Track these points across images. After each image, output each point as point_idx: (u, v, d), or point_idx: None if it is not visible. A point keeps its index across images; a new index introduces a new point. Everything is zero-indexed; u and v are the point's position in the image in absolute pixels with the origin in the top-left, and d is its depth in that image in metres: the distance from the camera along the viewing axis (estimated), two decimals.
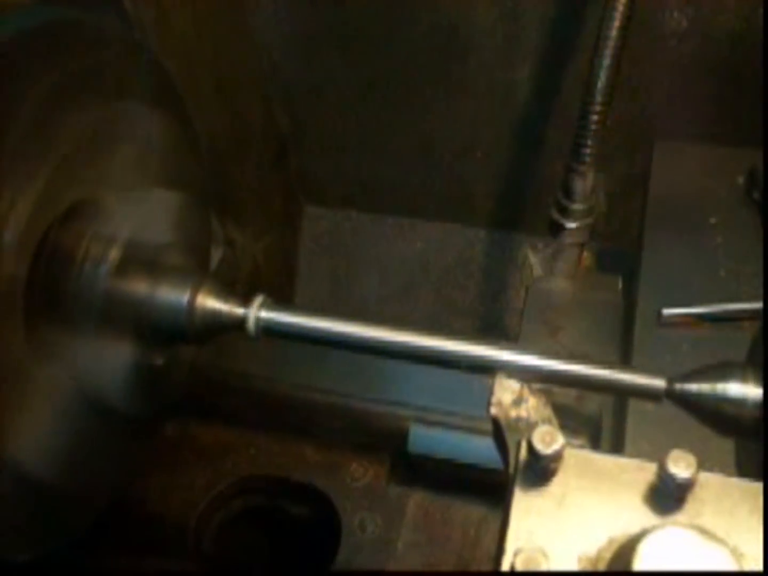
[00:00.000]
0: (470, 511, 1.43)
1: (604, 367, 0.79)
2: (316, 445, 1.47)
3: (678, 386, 0.74)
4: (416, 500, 1.43)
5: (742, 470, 0.84)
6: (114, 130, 0.88)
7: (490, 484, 1.35)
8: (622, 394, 0.79)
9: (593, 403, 1.27)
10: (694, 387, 0.73)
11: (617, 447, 1.16)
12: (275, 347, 0.96)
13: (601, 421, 1.28)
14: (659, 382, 0.75)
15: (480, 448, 1.32)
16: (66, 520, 0.94)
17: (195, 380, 1.36)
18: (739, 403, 0.71)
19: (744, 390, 0.71)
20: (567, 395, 1.23)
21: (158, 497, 1.47)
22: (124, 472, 1.05)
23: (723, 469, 0.97)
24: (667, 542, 0.60)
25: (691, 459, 0.65)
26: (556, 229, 1.41)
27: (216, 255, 1.63)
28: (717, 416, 0.72)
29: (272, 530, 1.54)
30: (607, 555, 0.65)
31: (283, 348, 0.90)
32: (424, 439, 1.36)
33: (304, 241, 2.13)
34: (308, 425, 1.47)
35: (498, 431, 0.80)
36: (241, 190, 1.78)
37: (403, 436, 1.38)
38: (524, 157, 1.85)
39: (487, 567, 1.37)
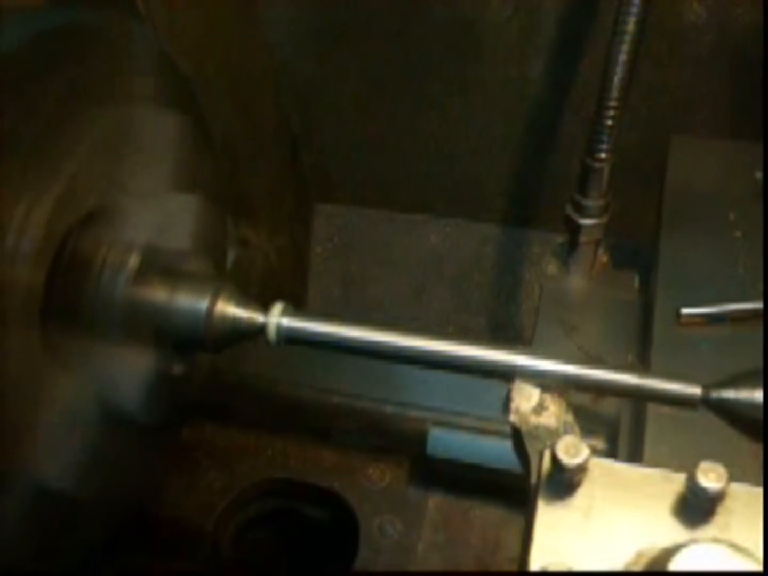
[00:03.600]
0: (490, 514, 1.41)
1: (635, 373, 0.77)
2: (334, 448, 1.46)
3: (714, 394, 0.72)
4: (435, 503, 1.42)
5: None
6: (130, 133, 0.86)
7: (510, 487, 1.33)
8: (655, 401, 0.77)
9: (611, 405, 1.25)
10: (731, 394, 0.71)
11: (636, 449, 1.14)
12: (292, 350, 0.95)
13: (619, 423, 1.27)
14: (694, 390, 0.73)
15: (499, 451, 1.31)
16: (84, 530, 0.93)
17: (212, 384, 1.35)
18: None
19: None
20: (584, 396, 1.21)
21: (175, 501, 1.46)
22: (143, 481, 1.04)
23: (744, 473, 0.95)
24: (698, 559, 0.58)
25: (721, 470, 0.63)
26: (572, 226, 1.39)
27: (230, 255, 1.62)
28: (756, 425, 0.70)
29: (290, 534, 1.53)
30: (636, 569, 0.64)
31: (301, 351, 0.89)
32: (444, 441, 1.35)
33: (317, 240, 2.12)
34: (326, 428, 1.45)
35: (518, 439, 0.79)
36: (254, 189, 1.77)
37: (421, 438, 1.36)
38: (539, 153, 1.83)
39: (507, 570, 1.35)
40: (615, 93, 1.23)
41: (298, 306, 0.89)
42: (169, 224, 0.91)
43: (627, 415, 1.25)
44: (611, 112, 1.25)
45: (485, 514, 1.41)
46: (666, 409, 1.03)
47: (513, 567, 0.72)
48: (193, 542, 1.43)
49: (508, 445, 0.82)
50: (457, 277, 2.08)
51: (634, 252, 1.59)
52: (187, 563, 1.43)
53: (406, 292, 2.09)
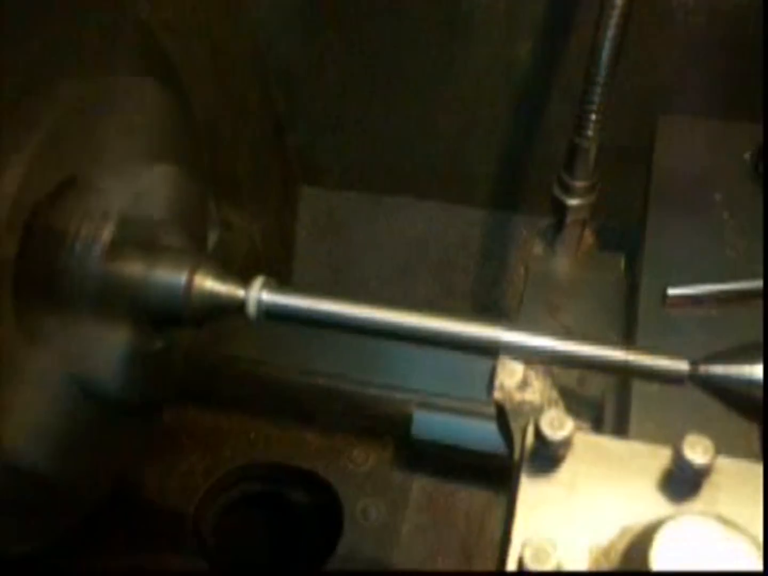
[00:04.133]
0: (474, 497, 1.40)
1: (622, 349, 0.75)
2: (318, 430, 1.44)
3: (702, 369, 0.70)
4: (420, 486, 1.40)
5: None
6: (105, 102, 0.84)
7: (495, 469, 1.32)
8: (641, 377, 0.76)
9: (595, 385, 1.24)
10: (719, 369, 0.69)
11: (621, 428, 1.13)
12: (275, 331, 0.93)
13: (604, 403, 1.26)
14: (682, 365, 0.72)
15: (485, 433, 1.30)
16: (62, 511, 0.91)
17: (193, 365, 1.33)
18: None
19: None
20: (569, 376, 1.20)
21: (156, 484, 1.44)
22: (122, 461, 1.02)
23: (733, 450, 0.95)
24: (685, 532, 0.57)
25: (708, 443, 0.62)
26: (558, 206, 1.38)
27: (212, 237, 1.59)
28: (745, 400, 0.69)
29: (273, 517, 1.52)
30: (621, 546, 0.62)
31: (284, 332, 0.87)
32: (428, 424, 1.34)
33: (302, 222, 2.09)
34: (309, 410, 1.44)
35: (502, 416, 0.77)
36: (237, 170, 1.74)
37: (406, 420, 1.35)
38: (526, 135, 1.81)
39: (492, 553, 1.34)
40: (603, 70, 1.22)
41: (294, 285, 0.87)
42: (146, 197, 0.88)
43: (612, 397, 1.25)
44: (598, 89, 1.24)
45: (470, 497, 1.40)
46: (651, 389, 1.02)
47: (498, 551, 0.71)
48: (174, 525, 1.42)
49: (493, 427, 0.81)
50: (443, 260, 2.07)
51: (621, 233, 1.58)
52: (168, 546, 1.41)
53: (392, 276, 2.08)
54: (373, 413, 1.39)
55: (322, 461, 1.42)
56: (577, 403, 1.23)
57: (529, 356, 0.78)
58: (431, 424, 1.34)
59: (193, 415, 1.48)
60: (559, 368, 0.81)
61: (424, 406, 1.34)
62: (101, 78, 0.83)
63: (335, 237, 2.08)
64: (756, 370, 0.68)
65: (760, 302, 1.20)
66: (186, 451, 1.46)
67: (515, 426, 0.73)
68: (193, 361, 1.33)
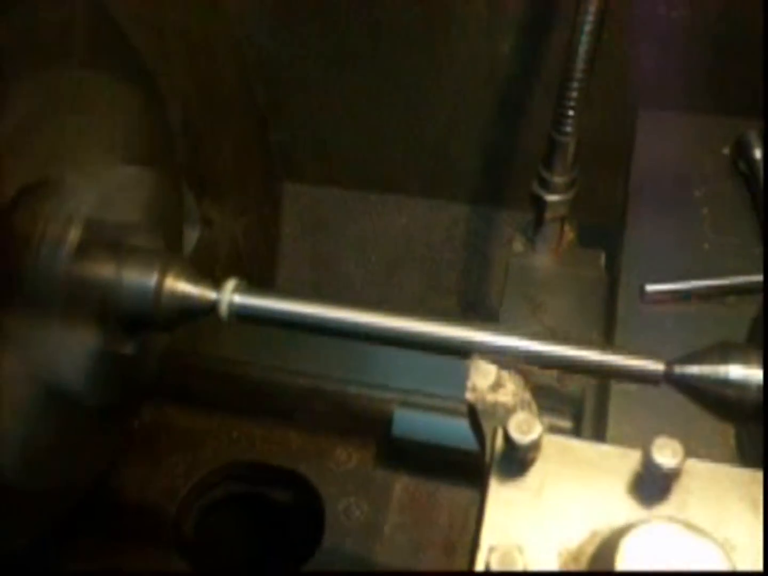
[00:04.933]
0: (457, 495, 1.40)
1: (597, 349, 0.75)
2: (299, 430, 1.43)
3: (678, 369, 0.70)
4: (402, 484, 1.40)
5: (744, 456, 0.81)
6: (71, 101, 0.82)
7: (477, 467, 1.32)
8: (617, 377, 0.75)
9: (575, 384, 1.24)
10: (695, 370, 0.69)
11: (600, 429, 1.13)
12: (256, 330, 0.92)
13: (584, 402, 1.25)
14: (657, 365, 0.71)
15: (465, 431, 1.29)
16: (33, 516, 0.89)
17: (172, 364, 1.32)
18: (742, 386, 0.67)
19: (746, 372, 0.67)
20: (548, 375, 1.19)
21: (137, 485, 1.43)
22: (97, 464, 1.01)
23: (708, 450, 0.94)
24: (651, 538, 0.56)
25: (677, 446, 0.61)
26: (537, 202, 1.37)
27: (194, 235, 1.58)
28: (719, 401, 0.68)
29: (255, 518, 1.51)
30: (590, 549, 0.62)
31: (265, 331, 0.86)
32: (409, 422, 1.33)
33: (285, 219, 2.08)
34: (291, 410, 1.43)
35: (474, 417, 0.77)
36: (219, 166, 1.73)
37: (387, 419, 1.34)
38: (509, 130, 1.81)
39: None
40: (580, 65, 1.21)
41: (266, 287, 0.86)
42: (115, 197, 0.87)
43: (591, 393, 1.24)
44: (576, 84, 1.23)
45: (452, 495, 1.39)
46: (630, 387, 1.02)
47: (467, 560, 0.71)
48: (155, 526, 1.41)
49: None
50: (427, 257, 2.06)
51: (602, 230, 1.58)
52: (149, 547, 1.40)
53: (377, 273, 2.07)
54: (354, 412, 1.39)
55: (303, 460, 1.41)
56: (556, 401, 1.23)
57: (503, 357, 0.78)
58: (412, 422, 1.33)
59: (173, 415, 1.46)
60: (546, 369, 0.80)
61: (405, 405, 1.34)
62: (67, 76, 0.82)
63: (319, 234, 2.07)
64: (729, 371, 0.68)
65: (736, 298, 1.20)
66: (167, 451, 1.44)
67: (487, 427, 0.73)
68: (172, 360, 1.32)
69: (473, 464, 1.34)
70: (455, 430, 1.31)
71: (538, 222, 1.39)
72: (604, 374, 0.77)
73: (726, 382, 0.69)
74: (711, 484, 0.63)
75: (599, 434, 1.11)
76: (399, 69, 1.76)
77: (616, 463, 0.65)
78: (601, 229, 1.57)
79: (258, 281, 0.87)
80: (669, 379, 0.72)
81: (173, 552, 1.39)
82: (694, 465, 0.63)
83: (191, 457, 1.44)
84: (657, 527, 0.56)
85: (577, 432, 1.24)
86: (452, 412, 1.31)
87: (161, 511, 1.41)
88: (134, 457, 1.43)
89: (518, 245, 1.43)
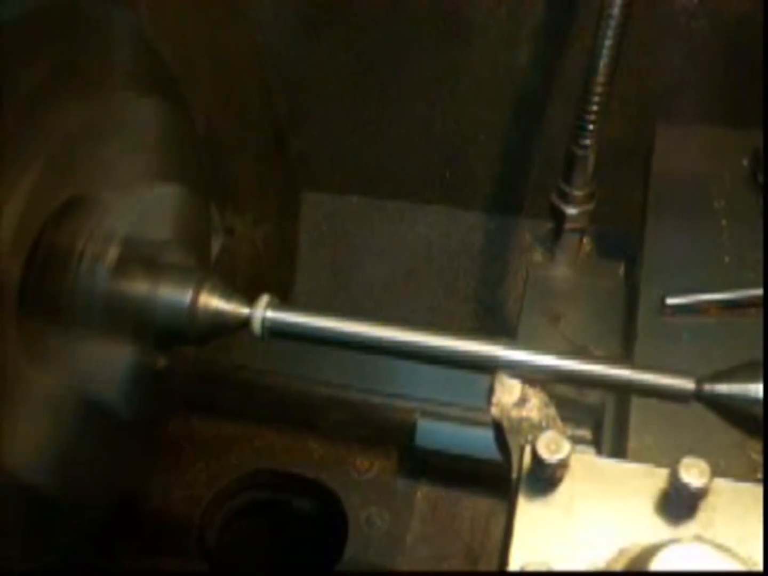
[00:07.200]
0: (479, 504, 1.41)
1: (626, 367, 0.75)
2: (322, 439, 1.44)
3: (708, 387, 0.70)
4: (424, 494, 1.41)
5: None
6: (108, 121, 0.84)
7: (499, 477, 1.32)
8: (647, 395, 0.76)
9: (595, 395, 1.24)
10: (724, 388, 0.69)
11: (620, 439, 1.13)
12: (278, 341, 0.93)
13: (604, 413, 1.26)
14: (687, 384, 0.72)
15: (487, 441, 1.29)
16: (66, 528, 0.91)
17: (197, 375, 1.33)
18: None
19: None
20: (568, 387, 1.19)
21: (161, 493, 1.44)
22: (126, 476, 1.02)
23: (728, 462, 0.94)
24: (680, 559, 0.57)
25: (704, 466, 0.62)
26: (557, 214, 1.38)
27: (216, 244, 1.59)
28: (749, 419, 0.69)
29: (277, 526, 1.52)
30: (618, 567, 0.62)
31: (287, 342, 0.87)
32: (432, 432, 1.34)
33: (304, 228, 2.09)
34: (313, 419, 1.44)
35: (499, 433, 0.77)
36: (240, 176, 1.74)
37: (409, 429, 1.35)
38: (528, 140, 1.81)
39: (496, 560, 1.34)
40: (601, 78, 1.22)
41: (285, 294, 0.87)
42: (150, 215, 0.88)
43: (611, 405, 1.24)
44: (597, 98, 1.23)
45: (474, 505, 1.40)
46: (651, 399, 1.02)
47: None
48: (179, 535, 1.42)
49: None
50: (446, 265, 2.07)
51: (620, 240, 1.58)
52: (173, 555, 1.42)
53: (395, 280, 2.07)
54: (376, 422, 1.40)
55: (326, 470, 1.42)
56: (576, 412, 1.23)
57: (530, 375, 0.78)
58: (434, 432, 1.34)
59: (197, 424, 1.48)
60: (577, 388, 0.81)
61: (428, 414, 1.35)
62: (104, 97, 0.83)
63: (338, 242, 2.08)
64: (759, 389, 0.68)
65: (758, 311, 1.20)
66: (191, 460, 1.46)
67: (513, 444, 0.73)
68: (198, 371, 1.33)
69: (495, 474, 1.35)
70: (477, 440, 1.32)
71: (557, 233, 1.39)
72: (633, 392, 0.78)
73: (756, 401, 0.70)
74: (735, 502, 0.64)
75: (620, 444, 1.11)
76: (418, 78, 1.76)
77: (643, 481, 0.65)
78: (620, 237, 1.57)
79: (277, 287, 0.88)
80: (699, 397, 0.73)
81: (197, 559, 1.40)
82: (720, 484, 0.64)
83: (215, 466, 1.46)
84: (686, 548, 0.56)
85: (597, 442, 1.24)
86: (474, 422, 1.32)
87: (185, 518, 1.42)
88: (158, 465, 1.45)
89: (537, 256, 1.44)
